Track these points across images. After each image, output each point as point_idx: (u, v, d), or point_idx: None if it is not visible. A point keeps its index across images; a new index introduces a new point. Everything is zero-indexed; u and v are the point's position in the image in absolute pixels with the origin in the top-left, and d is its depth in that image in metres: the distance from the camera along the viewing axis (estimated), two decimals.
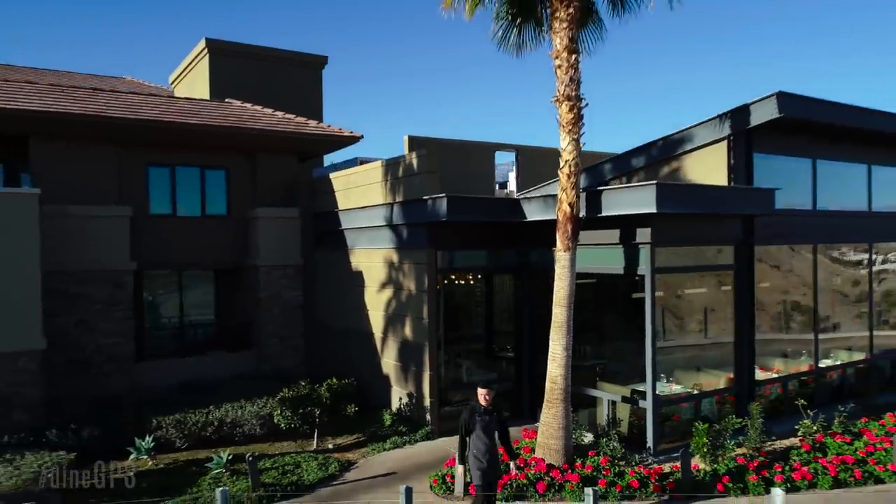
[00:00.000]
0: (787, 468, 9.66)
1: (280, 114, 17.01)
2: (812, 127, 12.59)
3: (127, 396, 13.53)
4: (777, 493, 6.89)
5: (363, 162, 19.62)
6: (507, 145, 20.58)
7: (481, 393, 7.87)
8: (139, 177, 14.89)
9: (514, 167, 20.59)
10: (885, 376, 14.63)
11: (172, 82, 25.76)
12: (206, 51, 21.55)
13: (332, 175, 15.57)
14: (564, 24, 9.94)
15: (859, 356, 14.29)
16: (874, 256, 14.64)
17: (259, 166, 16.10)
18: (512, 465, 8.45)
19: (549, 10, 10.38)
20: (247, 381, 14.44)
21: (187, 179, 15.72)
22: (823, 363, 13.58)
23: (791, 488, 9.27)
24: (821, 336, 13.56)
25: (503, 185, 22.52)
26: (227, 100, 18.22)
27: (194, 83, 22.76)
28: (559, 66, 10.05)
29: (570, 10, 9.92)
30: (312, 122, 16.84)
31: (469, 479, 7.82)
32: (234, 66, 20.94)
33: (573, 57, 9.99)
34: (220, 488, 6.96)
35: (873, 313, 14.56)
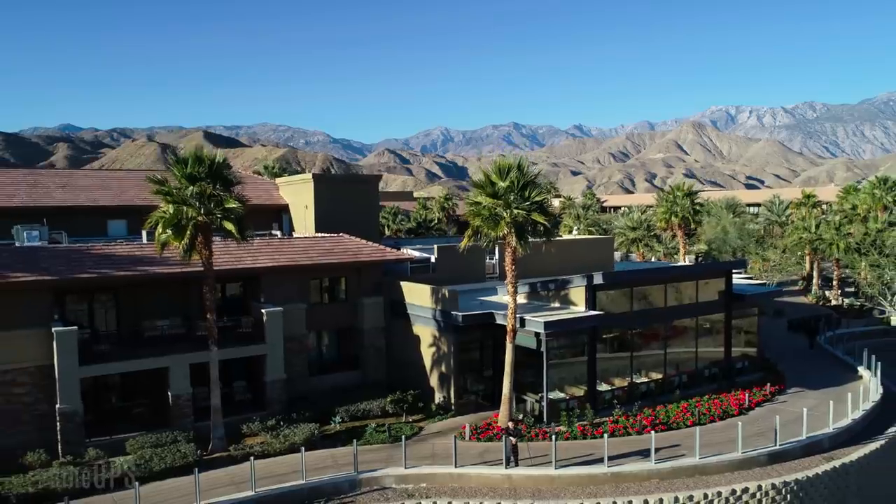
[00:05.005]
0: (593, 429, 24.87)
1: (372, 244, 32.00)
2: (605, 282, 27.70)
3: (306, 395, 28.72)
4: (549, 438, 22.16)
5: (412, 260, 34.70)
6: None
7: (510, 424, 22.84)
8: (306, 285, 29.95)
9: (497, 252, 35.85)
10: (675, 385, 29.76)
11: (280, 184, 41.21)
12: (311, 180, 36.83)
13: (402, 282, 30.56)
14: (510, 254, 24.82)
15: (660, 375, 29.49)
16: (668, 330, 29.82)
17: (362, 274, 31.12)
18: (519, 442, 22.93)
19: (502, 244, 25.18)
20: (360, 387, 29.66)
21: (327, 283, 30.89)
22: (638, 380, 28.81)
23: (594, 436, 24.51)
24: (644, 361, 28.78)
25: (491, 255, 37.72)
26: (340, 233, 33.20)
27: (301, 192, 38.04)
28: (507, 270, 24.98)
29: (511, 247, 24.80)
30: (390, 250, 31.97)
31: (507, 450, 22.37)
32: (328, 186, 36.60)
33: (514, 266, 24.90)
34: (396, 434, 22.16)
35: (666, 356, 29.76)
